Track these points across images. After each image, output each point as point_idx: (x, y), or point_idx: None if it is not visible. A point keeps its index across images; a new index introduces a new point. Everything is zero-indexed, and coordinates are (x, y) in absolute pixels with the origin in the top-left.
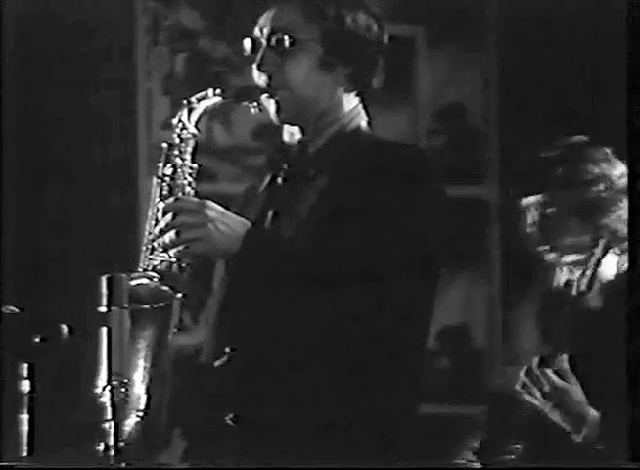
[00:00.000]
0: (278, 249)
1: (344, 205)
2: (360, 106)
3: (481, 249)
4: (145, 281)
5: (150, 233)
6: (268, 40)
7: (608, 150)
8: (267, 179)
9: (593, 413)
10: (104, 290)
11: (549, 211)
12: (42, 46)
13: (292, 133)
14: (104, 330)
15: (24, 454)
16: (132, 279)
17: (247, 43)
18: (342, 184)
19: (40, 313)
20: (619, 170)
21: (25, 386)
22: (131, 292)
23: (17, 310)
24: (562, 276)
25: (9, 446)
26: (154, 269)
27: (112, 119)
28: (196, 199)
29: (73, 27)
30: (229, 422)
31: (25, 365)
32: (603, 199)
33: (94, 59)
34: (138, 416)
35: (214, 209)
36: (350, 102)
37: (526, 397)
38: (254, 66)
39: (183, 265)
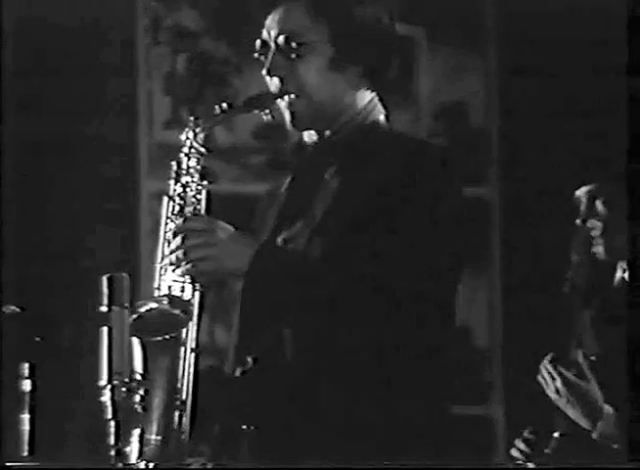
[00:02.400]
0: (289, 266)
1: (364, 204)
2: (376, 99)
3: (482, 249)
4: (154, 305)
5: (163, 254)
6: (276, 44)
7: None
8: (287, 180)
9: (608, 409)
10: (105, 289)
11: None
12: (42, 46)
13: (310, 133)
14: (104, 329)
15: (25, 454)
16: (141, 306)
17: (257, 46)
18: (362, 182)
19: (40, 313)
20: None
21: (26, 385)
22: (141, 320)
23: (17, 310)
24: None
25: (9, 445)
26: (168, 290)
27: (112, 119)
28: (205, 219)
29: (74, 27)
30: (249, 429)
31: (26, 365)
32: None
33: (94, 59)
34: (157, 440)
35: (223, 228)
36: (365, 97)
37: (546, 391)
38: (264, 71)
39: (197, 286)
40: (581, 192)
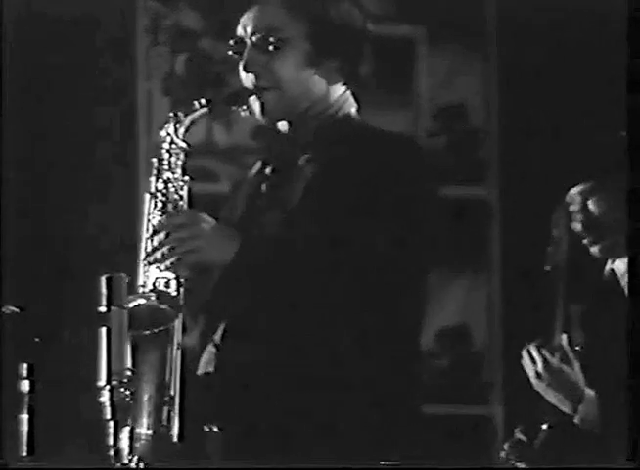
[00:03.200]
0: (271, 257)
1: (334, 196)
2: (348, 93)
3: (482, 249)
4: (142, 301)
5: (147, 251)
6: (252, 40)
7: None
8: (257, 167)
9: (590, 392)
10: (103, 290)
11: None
12: (42, 46)
13: (282, 124)
14: (103, 330)
15: (24, 454)
16: (129, 301)
17: (231, 44)
18: (333, 173)
19: (40, 313)
20: None
21: (25, 386)
22: (130, 315)
23: (17, 310)
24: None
25: (9, 446)
26: (153, 286)
27: (111, 120)
28: (187, 212)
29: (73, 27)
30: (215, 429)
31: (25, 365)
32: None
33: (94, 59)
34: (147, 435)
35: (206, 221)
36: (337, 90)
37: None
38: (240, 67)
39: (182, 281)
40: (574, 192)
